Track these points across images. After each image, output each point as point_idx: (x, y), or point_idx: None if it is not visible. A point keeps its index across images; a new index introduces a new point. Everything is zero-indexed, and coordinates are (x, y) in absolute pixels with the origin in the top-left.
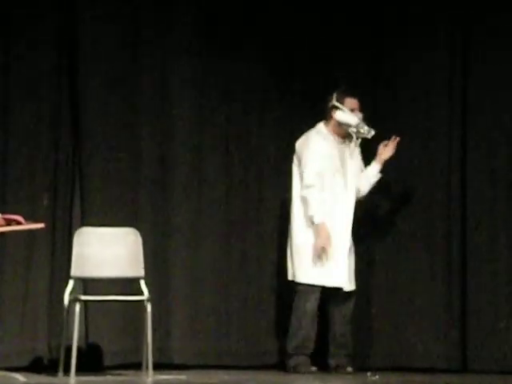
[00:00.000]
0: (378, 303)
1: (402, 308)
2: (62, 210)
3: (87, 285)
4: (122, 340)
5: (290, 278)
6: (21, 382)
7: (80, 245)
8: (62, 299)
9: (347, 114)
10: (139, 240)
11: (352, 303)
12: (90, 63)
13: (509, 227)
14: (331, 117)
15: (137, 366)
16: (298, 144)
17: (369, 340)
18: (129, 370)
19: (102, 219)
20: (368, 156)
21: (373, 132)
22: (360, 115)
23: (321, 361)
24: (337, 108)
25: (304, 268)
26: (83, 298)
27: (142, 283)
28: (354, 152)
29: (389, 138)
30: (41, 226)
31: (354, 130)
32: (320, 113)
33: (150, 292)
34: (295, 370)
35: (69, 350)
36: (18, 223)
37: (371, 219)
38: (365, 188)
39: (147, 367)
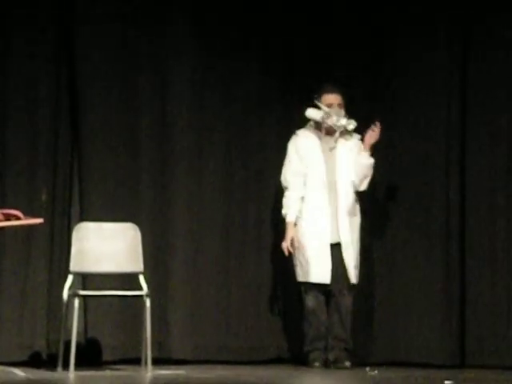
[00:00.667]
0: (377, 299)
1: (400, 303)
2: (61, 205)
3: (86, 280)
4: (121, 335)
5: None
6: (20, 377)
7: (79, 240)
8: (60, 294)
9: (315, 110)
10: (138, 235)
11: (351, 298)
12: (90, 63)
13: (507, 224)
14: None
15: (136, 361)
16: None
17: (368, 335)
18: (128, 365)
19: (101, 214)
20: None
21: (352, 126)
22: (338, 110)
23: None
24: (315, 105)
25: (297, 267)
26: (82, 293)
27: (141, 278)
28: (345, 145)
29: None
30: (40, 221)
31: (330, 123)
32: None
33: (149, 287)
34: (311, 366)
35: (68, 344)
36: (17, 218)
37: (371, 216)
38: (357, 177)
39: (146, 362)
